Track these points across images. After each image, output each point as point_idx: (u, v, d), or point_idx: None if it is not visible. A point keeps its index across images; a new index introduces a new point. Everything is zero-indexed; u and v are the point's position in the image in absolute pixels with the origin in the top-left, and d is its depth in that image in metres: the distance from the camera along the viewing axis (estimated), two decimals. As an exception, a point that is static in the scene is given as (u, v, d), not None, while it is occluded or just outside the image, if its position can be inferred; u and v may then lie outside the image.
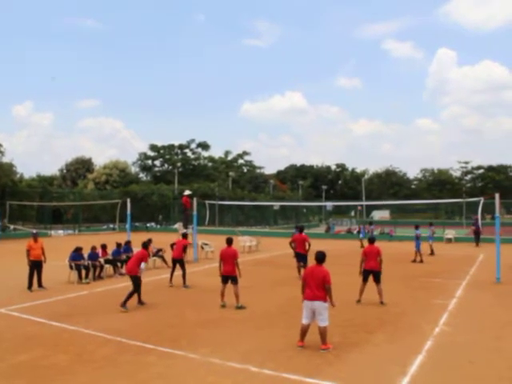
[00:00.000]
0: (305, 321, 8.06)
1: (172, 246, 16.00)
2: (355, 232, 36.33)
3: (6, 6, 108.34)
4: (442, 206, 56.28)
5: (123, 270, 16.76)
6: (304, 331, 8.07)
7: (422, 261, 20.37)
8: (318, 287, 7.98)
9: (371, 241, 11.98)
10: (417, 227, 21.60)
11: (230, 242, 11.68)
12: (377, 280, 11.57)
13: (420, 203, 58.62)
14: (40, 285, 13.58)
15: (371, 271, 11.60)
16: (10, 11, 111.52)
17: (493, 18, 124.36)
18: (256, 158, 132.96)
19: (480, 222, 26.50)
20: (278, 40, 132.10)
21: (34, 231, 14.81)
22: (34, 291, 13.19)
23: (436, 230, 27.11)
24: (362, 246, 26.17)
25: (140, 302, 11.46)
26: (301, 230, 16.81)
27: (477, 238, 28.80)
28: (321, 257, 8.32)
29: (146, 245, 12.27)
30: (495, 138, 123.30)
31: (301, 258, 15.50)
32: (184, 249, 14.44)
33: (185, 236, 15.42)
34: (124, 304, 10.96)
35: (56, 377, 6.80)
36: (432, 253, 23.28)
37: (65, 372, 6.97)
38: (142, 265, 11.46)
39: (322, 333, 7.93)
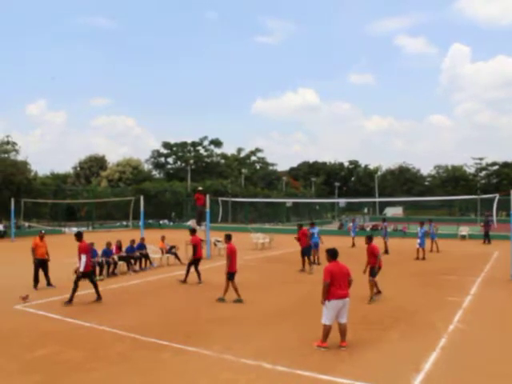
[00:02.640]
0: (331, 322, 7.85)
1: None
2: (368, 229, 36.10)
3: (19, 5, 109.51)
4: (456, 203, 55.65)
5: (136, 267, 16.93)
6: (329, 332, 7.88)
7: (424, 258, 20.23)
8: (345, 284, 7.97)
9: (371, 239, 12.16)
10: (421, 224, 21.47)
11: (230, 237, 11.93)
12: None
13: (434, 200, 58.04)
14: (49, 283, 13.58)
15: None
16: (23, 11, 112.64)
17: (507, 13, 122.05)
18: (268, 155, 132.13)
19: (492, 218, 26.12)
20: (289, 37, 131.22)
21: (42, 231, 14.95)
22: (47, 288, 13.29)
23: (438, 227, 26.67)
24: (353, 245, 25.95)
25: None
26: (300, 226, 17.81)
27: (486, 235, 28.25)
28: (335, 253, 8.20)
29: (79, 235, 11.84)
30: (510, 134, 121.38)
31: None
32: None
33: (194, 232, 14.95)
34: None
35: (71, 373, 6.88)
36: (430, 250, 22.55)
37: (80, 368, 7.05)
38: (83, 258, 11.32)
39: (345, 329, 7.92)
